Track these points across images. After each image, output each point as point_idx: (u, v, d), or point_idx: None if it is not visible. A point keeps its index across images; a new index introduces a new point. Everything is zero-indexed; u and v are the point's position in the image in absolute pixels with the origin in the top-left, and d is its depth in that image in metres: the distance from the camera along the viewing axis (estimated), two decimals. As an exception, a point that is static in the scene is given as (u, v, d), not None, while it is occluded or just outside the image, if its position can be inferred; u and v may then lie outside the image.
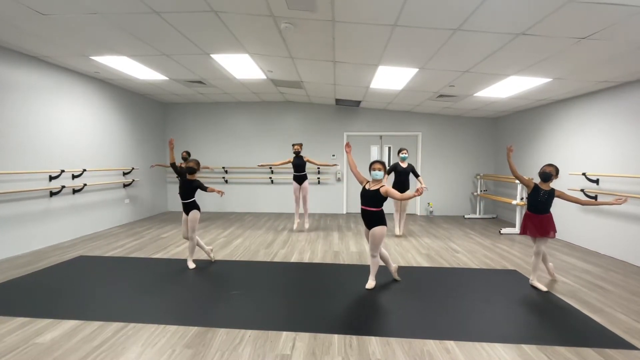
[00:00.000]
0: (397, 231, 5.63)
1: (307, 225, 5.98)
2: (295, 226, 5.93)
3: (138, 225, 6.40)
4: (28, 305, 2.87)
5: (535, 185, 3.36)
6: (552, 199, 3.29)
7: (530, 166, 6.24)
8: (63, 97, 5.08)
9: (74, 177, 5.22)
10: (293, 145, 5.87)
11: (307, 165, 5.86)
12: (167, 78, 5.63)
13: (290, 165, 5.86)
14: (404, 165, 5.52)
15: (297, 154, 5.82)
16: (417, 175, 5.44)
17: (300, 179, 5.80)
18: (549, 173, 3.28)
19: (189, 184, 3.82)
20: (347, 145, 3.46)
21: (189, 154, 6.33)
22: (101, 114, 5.91)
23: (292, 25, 3.34)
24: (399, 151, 5.55)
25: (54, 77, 4.92)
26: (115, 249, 4.68)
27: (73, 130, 5.26)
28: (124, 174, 6.49)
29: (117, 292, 3.19)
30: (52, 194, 4.82)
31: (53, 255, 4.35)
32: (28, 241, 4.51)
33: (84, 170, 5.40)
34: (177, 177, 4.00)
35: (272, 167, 5.51)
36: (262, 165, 5.98)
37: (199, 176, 4.05)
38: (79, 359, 2.12)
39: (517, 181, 5.98)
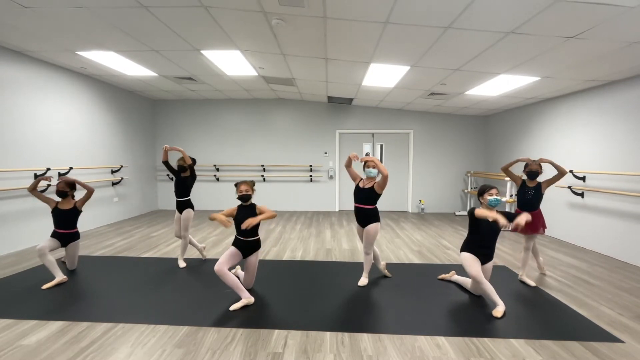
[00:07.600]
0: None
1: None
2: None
3: (127, 224, 6.30)
4: (13, 306, 2.80)
5: (522, 182, 3.44)
6: (540, 194, 3.36)
7: (520, 164, 6.32)
8: (48, 93, 4.95)
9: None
10: (238, 185, 2.97)
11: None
12: (156, 74, 5.53)
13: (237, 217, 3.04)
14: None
15: (246, 200, 2.99)
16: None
17: (249, 247, 3.04)
18: (536, 172, 3.35)
19: (183, 181, 3.80)
20: (356, 157, 3.20)
21: None
22: (88, 111, 5.78)
23: (283, 21, 3.31)
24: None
25: (39, 72, 4.79)
26: (104, 248, 4.59)
27: (59, 127, 5.13)
28: (113, 172, 6.38)
29: (105, 292, 3.13)
30: (37, 192, 4.71)
31: (39, 255, 4.24)
32: (13, 241, 4.40)
33: (71, 168, 5.28)
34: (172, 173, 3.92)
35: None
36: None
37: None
38: (66, 360, 2.08)
39: (506, 179, 6.08)
